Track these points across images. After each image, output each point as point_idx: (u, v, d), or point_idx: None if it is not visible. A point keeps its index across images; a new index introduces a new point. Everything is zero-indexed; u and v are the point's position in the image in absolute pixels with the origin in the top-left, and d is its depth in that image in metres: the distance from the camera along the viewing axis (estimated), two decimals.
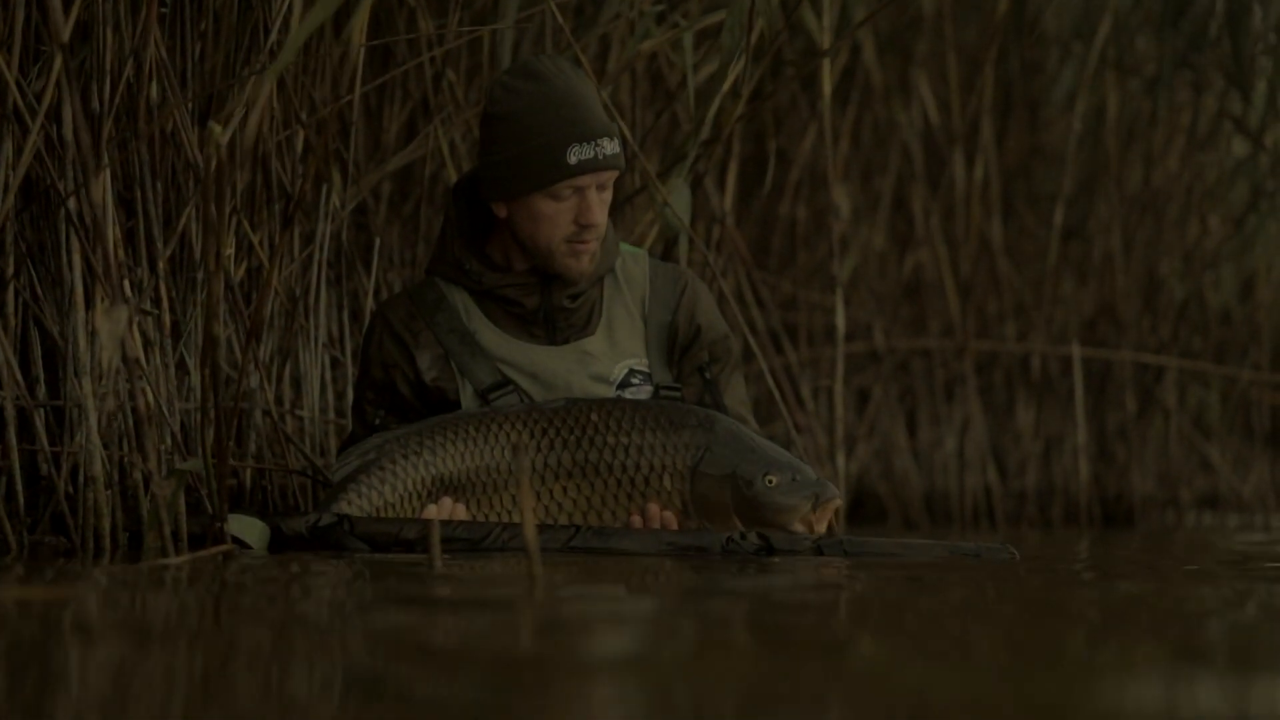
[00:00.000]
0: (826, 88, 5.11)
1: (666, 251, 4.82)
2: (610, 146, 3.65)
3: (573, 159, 3.62)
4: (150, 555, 3.37)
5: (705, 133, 4.57)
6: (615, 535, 3.54)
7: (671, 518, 3.62)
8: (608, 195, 3.70)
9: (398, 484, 3.64)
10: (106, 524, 3.55)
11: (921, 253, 7.54)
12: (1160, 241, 7.92)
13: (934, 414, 7.57)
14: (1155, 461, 7.99)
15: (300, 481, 4.23)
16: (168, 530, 3.36)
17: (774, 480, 3.58)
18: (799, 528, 3.58)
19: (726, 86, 4.51)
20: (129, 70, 3.84)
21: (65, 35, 3.30)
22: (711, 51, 4.74)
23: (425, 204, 4.81)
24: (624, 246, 3.88)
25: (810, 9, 5.12)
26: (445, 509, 3.63)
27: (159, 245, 3.93)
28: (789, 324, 7.11)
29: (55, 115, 3.75)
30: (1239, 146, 8.13)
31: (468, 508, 3.64)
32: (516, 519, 3.62)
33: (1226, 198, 8.16)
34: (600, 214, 3.67)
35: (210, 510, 3.49)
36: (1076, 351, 7.32)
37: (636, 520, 3.61)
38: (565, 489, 3.62)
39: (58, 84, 3.65)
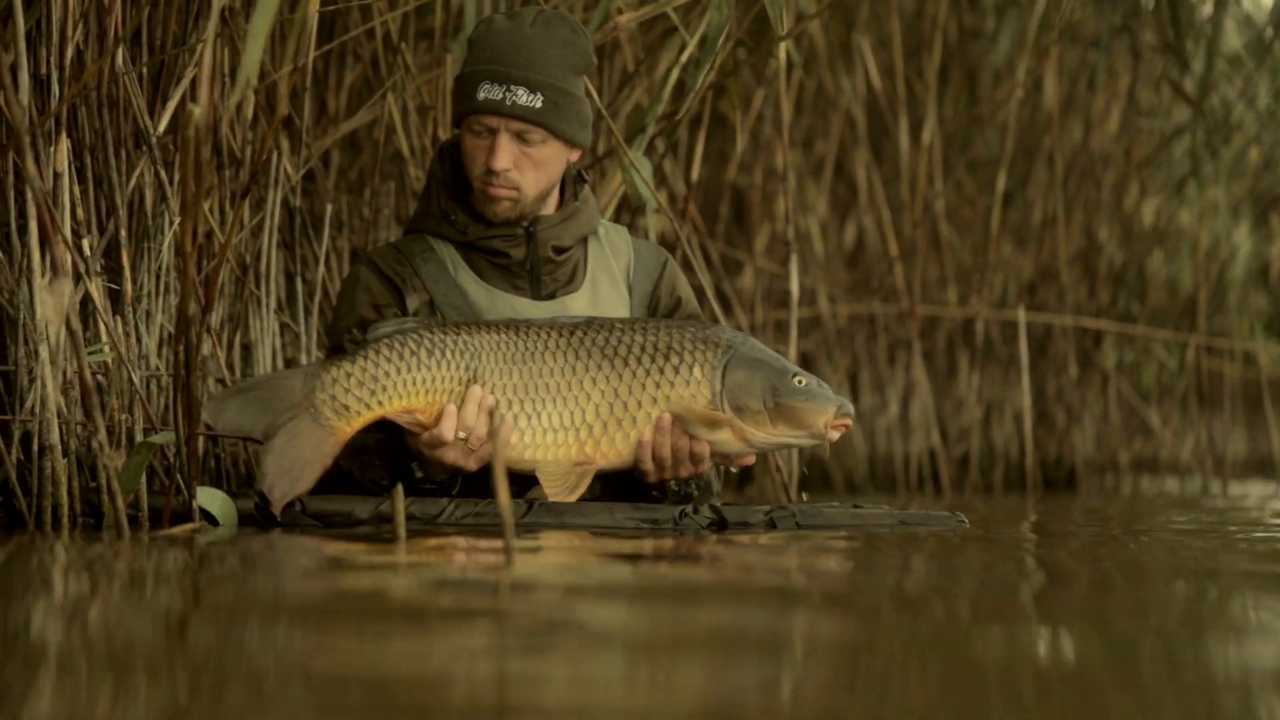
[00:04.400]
0: (782, 69, 5.08)
1: (633, 223, 4.81)
2: (525, 97, 3.63)
3: (480, 95, 3.65)
4: (109, 530, 3.33)
5: (663, 107, 4.57)
6: (569, 510, 3.53)
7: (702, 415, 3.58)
8: (535, 154, 3.67)
9: (436, 353, 3.54)
10: (64, 494, 3.51)
11: (864, 218, 7.56)
12: (1099, 206, 7.96)
13: (877, 379, 7.59)
14: (1095, 426, 8.05)
15: (253, 448, 4.21)
16: (121, 503, 3.32)
17: (803, 381, 3.60)
18: (816, 433, 3.57)
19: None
20: (78, 36, 3.79)
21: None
22: (669, 34, 4.74)
23: (375, 170, 4.79)
24: (604, 221, 3.88)
25: None
26: (480, 396, 3.53)
27: (121, 213, 3.89)
28: (737, 289, 7.11)
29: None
30: (1179, 113, 8.18)
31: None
32: (546, 413, 3.56)
33: (1165, 163, 8.21)
34: (504, 160, 3.64)
35: (181, 485, 3.44)
36: (1022, 316, 7.34)
37: (666, 420, 3.58)
38: (594, 380, 3.58)
39: (10, 49, 3.61)
